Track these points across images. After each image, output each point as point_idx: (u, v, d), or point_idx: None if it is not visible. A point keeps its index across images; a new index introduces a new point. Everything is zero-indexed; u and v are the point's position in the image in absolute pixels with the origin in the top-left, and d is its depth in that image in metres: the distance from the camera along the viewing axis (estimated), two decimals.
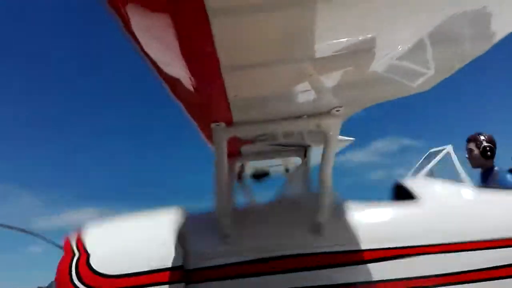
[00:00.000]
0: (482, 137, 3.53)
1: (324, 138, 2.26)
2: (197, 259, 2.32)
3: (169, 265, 2.24)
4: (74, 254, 2.35)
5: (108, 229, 2.58)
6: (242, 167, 4.26)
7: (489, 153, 3.45)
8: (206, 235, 2.44)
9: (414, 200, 2.58)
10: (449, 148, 2.96)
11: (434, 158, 3.11)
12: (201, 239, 2.43)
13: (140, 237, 2.45)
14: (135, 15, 1.00)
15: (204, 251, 2.37)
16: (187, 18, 1.02)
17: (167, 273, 2.23)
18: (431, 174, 3.05)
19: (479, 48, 1.68)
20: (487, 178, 3.43)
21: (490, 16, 1.40)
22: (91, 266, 2.27)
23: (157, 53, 1.25)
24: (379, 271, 2.30)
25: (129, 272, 2.24)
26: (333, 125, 2.18)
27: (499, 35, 1.54)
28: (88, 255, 2.32)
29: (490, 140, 3.50)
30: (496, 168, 3.46)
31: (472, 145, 3.56)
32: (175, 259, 2.25)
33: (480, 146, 3.47)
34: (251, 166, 4.48)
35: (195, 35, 1.12)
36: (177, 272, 2.24)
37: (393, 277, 2.31)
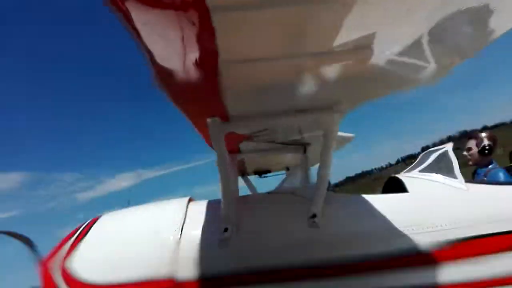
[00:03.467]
0: (483, 135, 3.56)
1: (323, 134, 2.26)
2: (194, 266, 2.21)
3: (159, 274, 2.15)
4: (64, 246, 2.32)
5: (110, 226, 2.51)
6: (244, 164, 4.31)
7: (486, 151, 3.48)
8: (207, 235, 2.34)
9: (405, 193, 2.61)
10: (448, 146, 2.98)
11: (433, 155, 3.14)
12: (201, 240, 2.31)
13: (136, 240, 2.32)
14: (137, 10, 1.01)
15: (202, 256, 2.25)
16: (188, 13, 1.03)
17: (155, 283, 2.12)
18: (427, 170, 3.08)
19: (479, 44, 1.67)
20: (480, 175, 3.48)
21: (491, 12, 1.39)
22: (71, 266, 2.21)
23: (157, 48, 1.24)
24: (371, 264, 2.28)
25: (110, 281, 2.14)
26: (332, 120, 2.17)
27: (499, 31, 1.54)
28: (74, 253, 2.26)
29: (491, 138, 3.51)
30: (491, 166, 3.52)
31: (472, 143, 3.57)
32: (166, 267, 2.16)
33: (480, 144, 3.51)
34: (252, 163, 4.52)
35: (197, 30, 1.12)
36: (167, 282, 2.13)
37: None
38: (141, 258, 2.22)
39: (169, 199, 2.81)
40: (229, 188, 2.32)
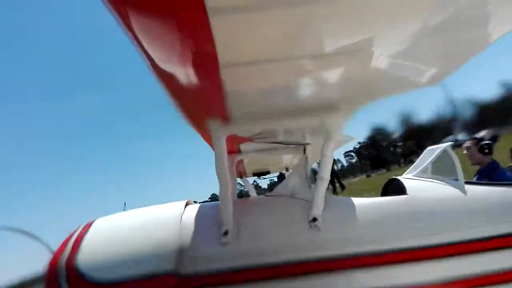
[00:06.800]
0: (481, 134, 3.54)
1: (325, 136, 2.24)
2: (194, 263, 2.22)
3: (162, 270, 2.15)
4: (66, 249, 2.28)
5: (109, 227, 2.49)
6: (243, 165, 4.27)
7: (486, 150, 3.46)
8: (206, 236, 2.34)
9: (405, 196, 2.57)
10: (446, 145, 2.97)
11: (432, 155, 3.11)
12: (200, 240, 2.32)
13: (136, 238, 2.32)
14: (135, 13, 1.01)
15: (202, 254, 2.26)
16: (187, 16, 1.03)
17: (158, 279, 2.13)
18: (429, 170, 3.05)
19: (486, 43, 1.65)
20: (486, 174, 3.44)
21: (494, 11, 1.36)
22: (78, 266, 2.19)
23: (156, 51, 1.25)
24: (371, 267, 2.26)
25: (117, 278, 2.14)
26: (335, 122, 2.17)
27: (502, 31, 1.51)
28: (77, 253, 2.23)
29: (490, 137, 3.51)
30: (496, 164, 3.47)
31: (470, 142, 3.58)
32: (168, 263, 2.17)
33: (478, 143, 3.48)
34: (251, 164, 4.50)
35: (195, 33, 1.12)
36: (169, 278, 2.14)
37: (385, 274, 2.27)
38: (143, 255, 2.21)
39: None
40: (228, 190, 2.29)
